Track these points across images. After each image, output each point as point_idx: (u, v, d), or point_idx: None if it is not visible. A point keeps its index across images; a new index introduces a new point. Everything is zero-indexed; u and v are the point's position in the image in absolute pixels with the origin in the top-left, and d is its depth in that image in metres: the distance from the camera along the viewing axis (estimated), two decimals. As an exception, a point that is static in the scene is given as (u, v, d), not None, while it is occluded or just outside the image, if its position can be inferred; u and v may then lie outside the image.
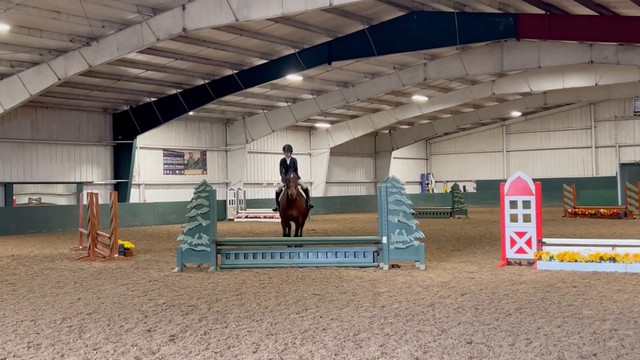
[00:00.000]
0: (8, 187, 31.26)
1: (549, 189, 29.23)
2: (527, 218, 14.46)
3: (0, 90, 27.45)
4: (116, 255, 17.45)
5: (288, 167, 18.02)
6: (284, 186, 17.62)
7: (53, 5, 21.18)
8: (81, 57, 25.10)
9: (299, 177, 17.86)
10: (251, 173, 43.18)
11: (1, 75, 27.24)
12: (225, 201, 36.86)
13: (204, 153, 40.94)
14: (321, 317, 9.44)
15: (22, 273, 15.20)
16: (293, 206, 17.27)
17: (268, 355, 7.39)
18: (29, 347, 7.98)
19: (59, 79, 26.11)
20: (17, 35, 23.10)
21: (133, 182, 35.78)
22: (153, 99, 34.10)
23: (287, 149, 18.71)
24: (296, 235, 17.76)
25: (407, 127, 52.44)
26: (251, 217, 36.27)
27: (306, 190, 18.15)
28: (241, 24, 23.44)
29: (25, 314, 10.15)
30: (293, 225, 18.12)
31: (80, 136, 34.19)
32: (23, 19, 21.89)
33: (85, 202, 20.42)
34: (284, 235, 17.88)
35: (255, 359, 7.28)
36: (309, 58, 28.81)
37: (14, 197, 31.70)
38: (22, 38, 23.67)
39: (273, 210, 18.89)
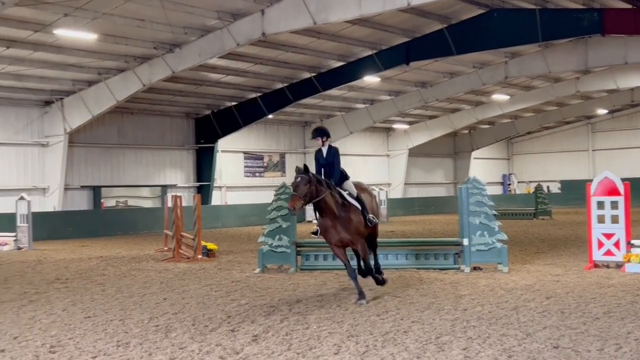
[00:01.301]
0: (96, 190, 32.37)
1: (638, 188, 28.22)
2: (615, 219, 13.98)
3: (89, 97, 28.54)
4: (200, 256, 17.79)
5: (321, 164, 11.74)
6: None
7: (137, 14, 21.83)
8: (165, 63, 25.82)
9: (345, 177, 11.66)
10: (330, 175, 43.29)
11: (89, 83, 28.28)
12: (304, 203, 37.06)
13: (282, 155, 41.36)
14: (402, 319, 9.40)
15: (111, 274, 15.69)
16: (335, 226, 11.00)
17: (349, 357, 7.41)
18: (118, 346, 8.24)
19: (144, 85, 26.94)
20: (104, 43, 23.92)
21: (215, 185, 36.47)
22: (233, 103, 34.68)
23: (317, 133, 11.92)
24: (359, 267, 11.56)
25: (487, 126, 51.58)
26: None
27: (359, 200, 11.48)
28: (319, 27, 23.57)
29: (114, 313, 10.48)
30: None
31: (164, 141, 35.06)
32: (109, 28, 22.64)
33: (169, 204, 20.93)
34: (345, 266, 11.20)
35: (337, 360, 7.33)
36: (386, 59, 28.73)
37: (102, 200, 32.78)
38: (109, 46, 24.50)
39: (312, 234, 11.92)
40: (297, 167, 11.09)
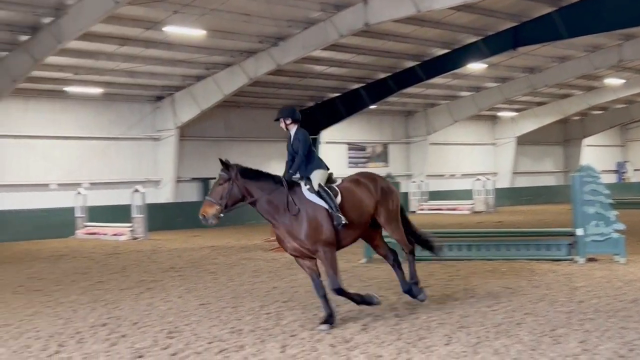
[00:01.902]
0: (206, 182, 33.23)
1: None
2: None
3: (197, 92, 29.40)
4: (306, 246, 18.00)
5: (290, 153, 9.34)
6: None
7: (243, 9, 22.24)
8: (269, 57, 26.24)
9: (316, 167, 9.11)
10: (433, 165, 42.78)
11: (198, 78, 29.11)
12: (407, 193, 36.88)
13: (385, 146, 41.22)
14: (514, 311, 9.21)
15: (222, 262, 16.15)
16: (286, 232, 8.85)
17: (461, 348, 7.33)
18: (232, 332, 8.49)
19: (250, 79, 27.48)
20: (212, 39, 24.52)
21: (319, 176, 36.75)
22: (336, 95, 34.81)
23: (279, 114, 9.52)
24: (404, 283, 9.69)
25: (600, 112, 49.51)
26: (434, 209, 36.02)
27: (320, 193, 8.79)
28: (422, 15, 23.26)
29: (227, 301, 10.79)
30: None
31: (269, 133, 35.55)
32: (217, 24, 23.19)
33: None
34: (312, 280, 9.16)
35: (448, 351, 7.26)
36: (492, 45, 28.04)
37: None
38: (216, 42, 25.11)
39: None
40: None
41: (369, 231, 9.63)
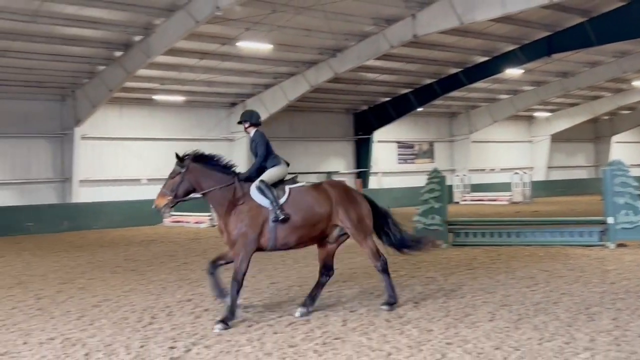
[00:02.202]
0: (273, 177, 33.59)
1: None
2: None
3: (266, 98, 29.62)
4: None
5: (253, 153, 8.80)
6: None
7: (305, 25, 22.28)
8: (328, 66, 26.25)
9: (273, 167, 8.54)
10: (475, 160, 42.13)
11: (266, 86, 29.31)
12: (451, 186, 36.41)
13: (431, 144, 40.76)
14: (551, 291, 9.03)
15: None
16: (224, 227, 8.25)
17: (504, 324, 7.23)
18: (300, 307, 8.52)
19: (311, 86, 27.54)
20: (278, 52, 24.65)
21: (372, 171, 36.64)
22: (387, 99, 34.61)
23: (241, 117, 8.88)
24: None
25: (628, 112, 47.88)
26: (476, 200, 35.53)
27: (261, 188, 8.18)
28: (465, 27, 22.86)
29: (294, 280, 10.89)
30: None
31: (328, 133, 35.68)
32: (282, 39, 23.30)
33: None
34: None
35: (492, 326, 7.17)
36: (529, 52, 27.47)
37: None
38: (282, 54, 25.24)
39: None
40: (175, 153, 8.38)
41: (327, 244, 8.55)
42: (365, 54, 24.79)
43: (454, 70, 30.78)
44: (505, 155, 43.53)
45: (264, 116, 29.67)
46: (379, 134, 36.48)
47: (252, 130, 8.69)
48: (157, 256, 15.14)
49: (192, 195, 8.28)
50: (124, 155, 28.30)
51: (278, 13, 20.28)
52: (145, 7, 19.47)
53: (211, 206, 8.31)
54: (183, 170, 8.13)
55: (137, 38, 21.50)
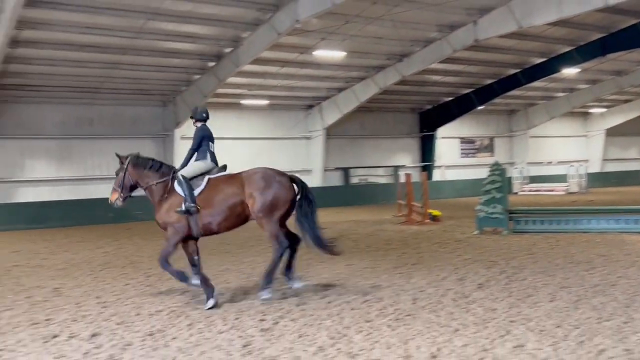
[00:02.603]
0: (346, 171, 33.64)
1: None
2: None
3: (339, 100, 29.64)
4: (427, 220, 17.78)
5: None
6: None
7: (375, 34, 22.14)
8: (395, 70, 26.00)
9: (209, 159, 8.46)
10: (533, 154, 40.76)
11: (339, 90, 29.34)
12: (510, 178, 35.35)
13: (491, 139, 39.71)
14: (608, 274, 8.66)
15: (361, 233, 16.23)
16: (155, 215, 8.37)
17: (564, 305, 6.99)
18: (373, 287, 8.52)
19: (380, 89, 27.37)
20: (350, 59, 24.62)
21: (435, 165, 36.11)
22: (450, 98, 33.98)
23: (190, 113, 8.93)
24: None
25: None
26: (534, 191, 34.38)
27: (180, 182, 8.08)
28: (523, 30, 22.12)
29: (367, 262, 10.85)
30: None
31: (395, 131, 35.36)
32: (354, 46, 23.25)
33: (402, 180, 21.12)
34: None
35: (553, 306, 6.94)
36: (584, 53, 26.32)
37: (349, 178, 33.98)
38: (354, 60, 25.18)
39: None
40: (116, 154, 8.53)
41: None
42: (429, 58, 24.42)
43: (512, 71, 29.87)
44: (561, 149, 41.96)
45: (337, 116, 29.91)
46: (442, 131, 35.89)
47: (197, 125, 8.52)
48: (246, 240, 15.40)
49: (136, 189, 8.39)
50: (216, 153, 28.99)
51: (350, 23, 20.24)
52: (234, 22, 19.85)
53: (150, 199, 8.29)
54: (124, 168, 8.25)
55: (227, 50, 21.95)
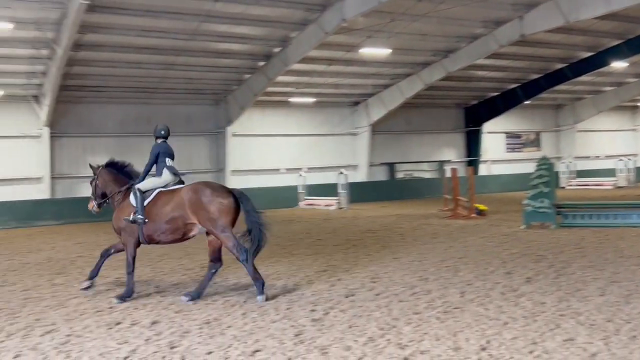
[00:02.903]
0: (391, 166, 33.41)
1: None
2: None
3: (385, 97, 29.43)
4: (473, 215, 17.50)
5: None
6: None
7: (420, 30, 21.88)
8: (441, 66, 25.62)
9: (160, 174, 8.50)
10: (580, 148, 39.49)
11: (384, 86, 29.12)
12: (557, 172, 34.38)
13: (537, 134, 38.69)
14: (661, 269, 8.33)
15: (406, 227, 16.11)
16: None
17: (614, 299, 6.77)
18: (420, 280, 8.47)
19: (425, 85, 27.03)
20: (395, 56, 24.37)
21: (481, 159, 35.48)
22: (495, 93, 33.28)
23: (153, 131, 8.94)
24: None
25: None
26: (581, 185, 33.35)
27: (135, 194, 8.31)
28: (570, 25, 21.44)
29: (414, 256, 10.77)
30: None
31: (440, 126, 34.89)
32: (399, 44, 23.02)
33: (448, 175, 20.85)
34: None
35: (603, 300, 6.73)
36: (633, 46, 25.29)
37: (395, 173, 33.76)
38: (399, 57, 24.93)
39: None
40: (89, 164, 9.08)
41: (212, 239, 8.09)
42: (475, 54, 23.97)
43: (559, 66, 29.02)
44: (609, 143, 40.53)
45: (382, 112, 29.75)
46: (488, 126, 35.21)
47: (158, 142, 8.69)
48: (296, 233, 15.54)
49: (107, 197, 8.77)
50: (266, 149, 29.27)
51: (396, 21, 20.05)
52: (282, 23, 19.96)
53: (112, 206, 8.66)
54: (95, 178, 8.79)
55: (276, 49, 22.09)
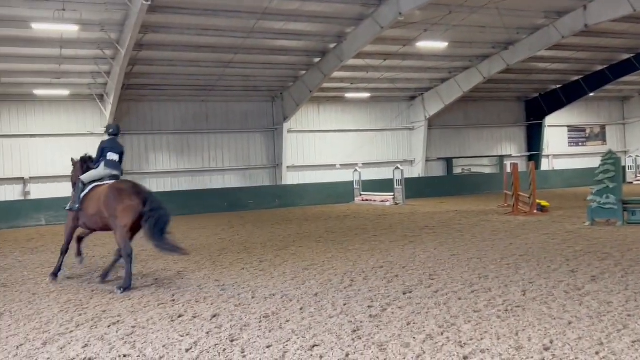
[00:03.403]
0: (448, 161, 32.92)
1: None
2: None
3: (442, 91, 29.01)
4: (535, 211, 17.02)
5: None
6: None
7: (479, 22, 21.43)
8: (500, 59, 25.02)
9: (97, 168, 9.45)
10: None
11: (442, 80, 28.71)
12: (624, 167, 32.97)
13: (602, 127, 37.22)
14: None
15: (465, 223, 15.81)
16: None
17: (688, 300, 6.43)
18: (480, 277, 8.28)
19: (484, 78, 26.47)
20: (453, 49, 23.99)
21: (543, 154, 34.46)
22: (558, 86, 32.25)
23: (106, 129, 10.14)
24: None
25: None
26: (650, 181, 31.88)
27: (77, 185, 9.51)
28: (638, 13, 20.50)
29: (473, 253, 10.56)
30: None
31: (499, 120, 34.12)
32: (457, 36, 22.63)
33: (508, 170, 20.33)
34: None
35: (676, 302, 6.41)
36: None
37: (452, 168, 33.23)
38: (457, 50, 24.52)
39: None
40: (71, 158, 10.23)
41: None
42: (536, 45, 23.27)
43: (625, 56, 27.85)
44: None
45: (439, 106, 29.38)
46: (550, 119, 34.18)
47: (106, 138, 9.63)
48: (351, 229, 15.51)
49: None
50: (321, 145, 29.41)
51: (454, 14, 19.71)
52: (338, 19, 19.97)
53: None
54: (72, 171, 9.90)
55: (332, 45, 22.13)
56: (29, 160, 24.25)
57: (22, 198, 23.79)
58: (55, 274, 9.46)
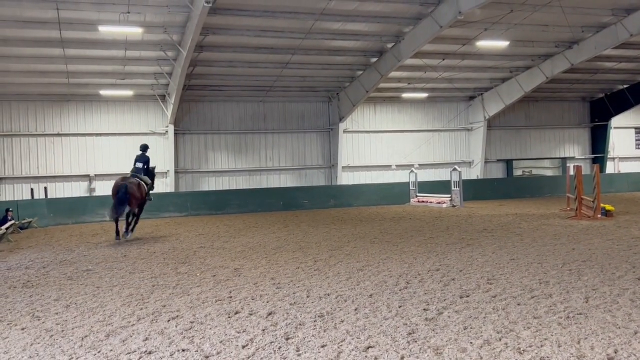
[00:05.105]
0: (509, 162, 32.14)
1: None
2: None
3: (502, 91, 28.35)
4: (599, 215, 16.39)
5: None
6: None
7: (542, 21, 20.84)
8: (564, 58, 24.24)
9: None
10: None
11: (502, 80, 28.06)
12: (698, 171, 31.33)
13: (674, 128, 35.47)
14: None
15: (525, 227, 15.38)
16: None
17: None
18: (540, 283, 8.03)
19: (547, 78, 25.71)
20: (514, 47, 23.42)
21: (608, 156, 33.13)
22: (625, 86, 30.92)
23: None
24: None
25: None
26: None
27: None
28: None
29: (533, 257, 10.27)
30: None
31: (563, 121, 33.06)
32: (519, 35, 22.08)
33: (571, 172, 19.68)
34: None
35: None
36: None
37: (512, 170, 32.41)
38: (518, 49, 23.92)
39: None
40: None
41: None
42: (602, 44, 22.41)
43: (701, 53, 26.35)
44: None
45: (499, 107, 28.79)
46: (616, 120, 32.83)
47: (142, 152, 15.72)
48: (407, 230, 15.37)
49: None
50: (377, 145, 29.30)
51: (515, 12, 19.24)
52: (396, 18, 19.85)
53: None
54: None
55: (389, 45, 22.02)
56: (94, 158, 25.27)
57: (87, 194, 24.82)
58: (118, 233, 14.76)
